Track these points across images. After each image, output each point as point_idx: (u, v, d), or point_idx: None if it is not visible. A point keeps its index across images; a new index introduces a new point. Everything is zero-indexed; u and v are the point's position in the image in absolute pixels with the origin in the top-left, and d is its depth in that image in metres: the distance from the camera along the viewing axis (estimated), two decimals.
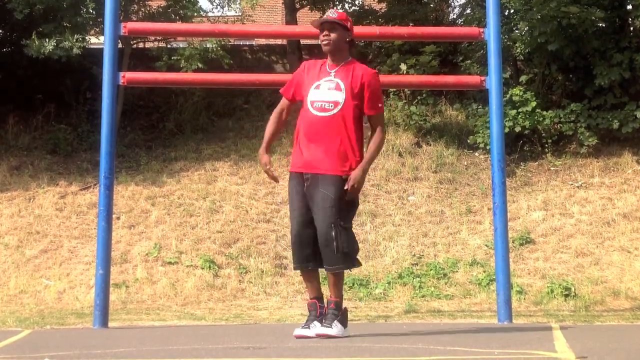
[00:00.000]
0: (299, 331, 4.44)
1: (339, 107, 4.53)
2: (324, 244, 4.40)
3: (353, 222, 4.67)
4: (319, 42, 4.69)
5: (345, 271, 4.53)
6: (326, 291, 4.59)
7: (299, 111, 4.74)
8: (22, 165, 11.64)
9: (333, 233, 4.36)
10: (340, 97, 4.54)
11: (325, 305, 4.52)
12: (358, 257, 4.62)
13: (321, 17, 4.83)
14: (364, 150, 4.61)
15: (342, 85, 4.56)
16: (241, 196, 10.72)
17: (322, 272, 4.62)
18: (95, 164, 10.71)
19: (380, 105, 4.65)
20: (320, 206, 4.41)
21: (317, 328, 4.40)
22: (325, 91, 4.57)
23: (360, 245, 9.72)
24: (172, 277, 9.01)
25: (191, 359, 3.35)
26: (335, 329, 4.39)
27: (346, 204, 4.46)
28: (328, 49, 4.62)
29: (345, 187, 4.44)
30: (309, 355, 3.47)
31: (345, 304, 8.25)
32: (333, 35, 4.61)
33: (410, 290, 8.52)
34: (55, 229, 10.05)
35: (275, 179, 4.78)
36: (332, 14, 4.70)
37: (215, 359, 3.34)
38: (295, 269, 4.68)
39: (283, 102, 4.84)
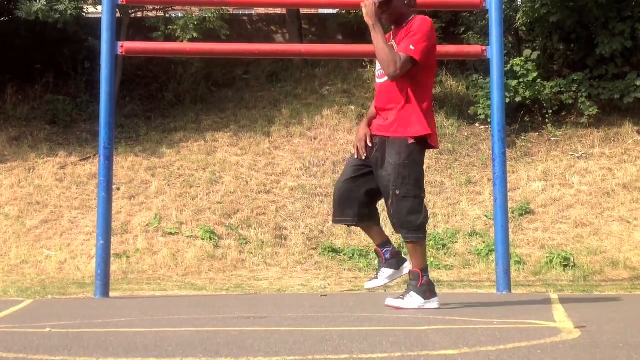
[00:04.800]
0: (369, 284, 4.50)
1: None
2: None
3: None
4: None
5: (411, 241, 4.26)
6: None
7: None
8: (22, 135, 11.62)
9: (390, 201, 4.22)
10: None
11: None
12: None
13: None
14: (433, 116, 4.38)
15: (395, 46, 4.31)
16: (241, 167, 10.71)
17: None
18: (94, 135, 10.69)
19: (411, 47, 4.19)
20: (382, 172, 4.24)
21: (388, 300, 4.31)
22: None
23: None
24: (172, 247, 9.04)
25: (192, 328, 3.36)
26: (408, 300, 4.20)
27: (403, 172, 4.22)
28: (386, 22, 4.40)
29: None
30: (309, 325, 3.48)
31: (345, 274, 8.32)
32: (388, 13, 4.35)
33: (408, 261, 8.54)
34: (55, 199, 10.06)
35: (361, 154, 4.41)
36: None
37: (216, 328, 3.35)
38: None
39: None
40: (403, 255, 4.52)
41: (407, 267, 4.41)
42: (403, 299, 4.24)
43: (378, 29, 4.30)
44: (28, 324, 3.73)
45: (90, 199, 9.88)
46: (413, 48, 4.21)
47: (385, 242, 4.48)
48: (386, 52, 4.24)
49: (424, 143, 4.30)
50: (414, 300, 4.21)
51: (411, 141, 4.23)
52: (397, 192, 4.17)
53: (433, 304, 4.24)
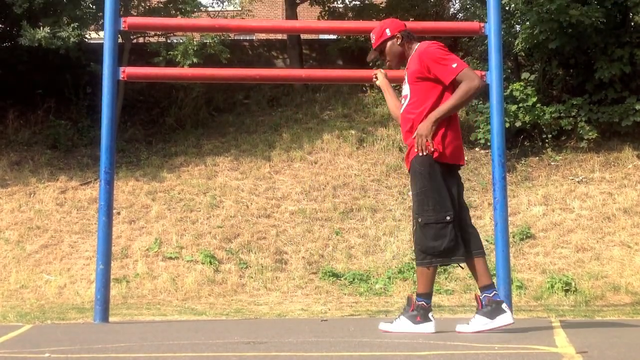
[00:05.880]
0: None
1: (407, 100, 4.49)
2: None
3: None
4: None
5: (426, 266, 4.36)
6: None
7: None
8: (23, 160, 11.64)
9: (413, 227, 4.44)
10: (406, 89, 4.52)
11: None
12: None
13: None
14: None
15: (406, 77, 4.54)
16: (241, 191, 10.72)
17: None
18: (95, 159, 10.71)
19: (454, 66, 4.30)
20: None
21: (380, 324, 4.47)
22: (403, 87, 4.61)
23: (360, 240, 9.77)
24: (172, 272, 9.01)
25: (192, 353, 3.35)
26: (395, 323, 4.35)
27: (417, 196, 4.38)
28: (393, 66, 4.66)
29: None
30: (309, 350, 3.47)
31: (346, 299, 8.28)
32: (388, 56, 4.62)
33: (410, 285, 8.52)
34: (55, 224, 10.06)
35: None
36: (372, 38, 4.65)
37: (216, 353, 3.33)
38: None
39: None
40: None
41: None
42: (391, 322, 4.40)
43: (438, 118, 4.30)
44: (27, 349, 3.71)
45: (90, 224, 9.87)
46: (455, 66, 4.31)
47: (485, 285, 4.38)
48: (461, 96, 4.28)
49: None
50: (401, 324, 4.34)
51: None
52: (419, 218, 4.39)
53: (423, 328, 4.30)
